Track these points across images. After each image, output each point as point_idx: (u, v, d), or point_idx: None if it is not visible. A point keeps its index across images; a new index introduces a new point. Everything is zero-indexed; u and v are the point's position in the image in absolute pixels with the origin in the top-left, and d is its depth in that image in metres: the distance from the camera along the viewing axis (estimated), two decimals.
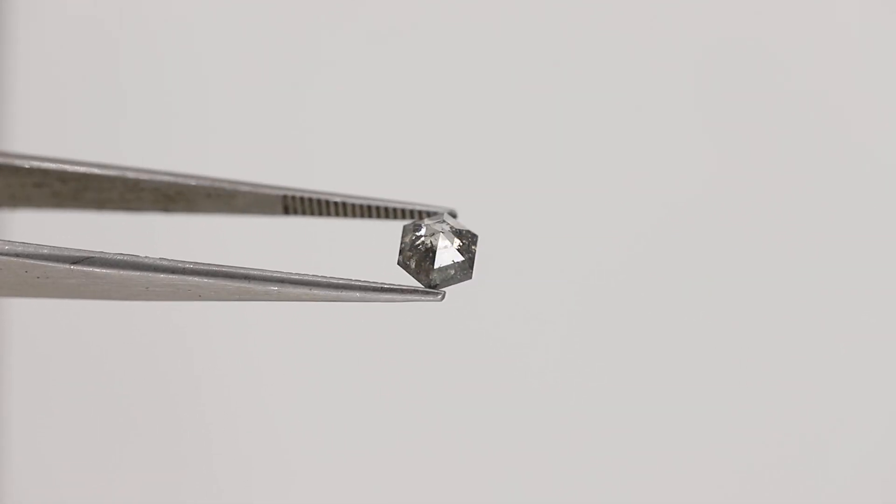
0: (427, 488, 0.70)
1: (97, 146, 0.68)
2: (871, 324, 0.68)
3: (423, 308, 0.65)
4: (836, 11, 0.67)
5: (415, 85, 0.69)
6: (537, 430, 0.69)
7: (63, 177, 0.31)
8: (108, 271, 0.27)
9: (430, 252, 0.29)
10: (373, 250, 0.59)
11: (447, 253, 0.29)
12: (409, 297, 0.30)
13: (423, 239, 0.29)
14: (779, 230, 0.68)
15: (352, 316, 0.69)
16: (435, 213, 0.30)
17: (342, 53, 0.69)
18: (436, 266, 0.29)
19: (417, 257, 0.29)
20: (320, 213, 0.29)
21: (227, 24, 0.69)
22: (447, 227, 0.29)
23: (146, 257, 0.28)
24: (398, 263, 0.29)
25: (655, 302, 0.68)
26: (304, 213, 0.29)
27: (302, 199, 0.30)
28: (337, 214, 0.29)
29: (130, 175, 0.31)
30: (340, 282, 0.29)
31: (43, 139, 0.69)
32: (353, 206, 0.30)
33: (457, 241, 0.29)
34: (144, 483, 0.70)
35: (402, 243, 0.29)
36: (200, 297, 0.28)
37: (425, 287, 0.29)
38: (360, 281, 0.29)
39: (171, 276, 0.28)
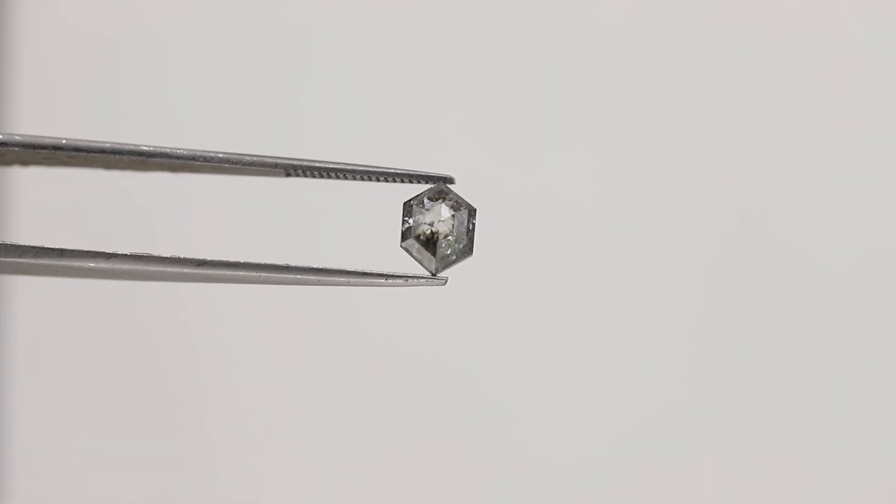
0: (434, 482, 0.70)
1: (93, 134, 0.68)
2: (871, 326, 0.68)
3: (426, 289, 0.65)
4: (835, 14, 0.67)
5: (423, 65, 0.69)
6: (538, 417, 0.69)
7: (71, 155, 0.32)
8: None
9: (432, 242, 0.30)
10: (374, 218, 0.60)
11: (448, 242, 0.30)
12: (413, 283, 0.31)
13: (423, 227, 0.30)
14: (777, 230, 0.68)
15: (352, 299, 0.69)
16: (433, 184, 0.31)
17: (343, 24, 0.69)
18: (438, 257, 0.30)
19: (419, 246, 0.30)
20: (321, 177, 0.30)
21: (218, 13, 0.69)
22: (447, 212, 0.30)
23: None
24: (401, 247, 0.30)
25: (656, 288, 0.69)
26: (304, 175, 0.30)
27: (303, 167, 0.31)
28: (337, 177, 0.30)
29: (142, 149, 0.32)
30: (348, 270, 0.31)
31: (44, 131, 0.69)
32: (354, 171, 0.31)
33: (458, 226, 0.30)
34: (145, 480, 0.70)
35: (403, 225, 0.30)
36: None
37: (430, 274, 0.30)
38: (366, 271, 0.31)
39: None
